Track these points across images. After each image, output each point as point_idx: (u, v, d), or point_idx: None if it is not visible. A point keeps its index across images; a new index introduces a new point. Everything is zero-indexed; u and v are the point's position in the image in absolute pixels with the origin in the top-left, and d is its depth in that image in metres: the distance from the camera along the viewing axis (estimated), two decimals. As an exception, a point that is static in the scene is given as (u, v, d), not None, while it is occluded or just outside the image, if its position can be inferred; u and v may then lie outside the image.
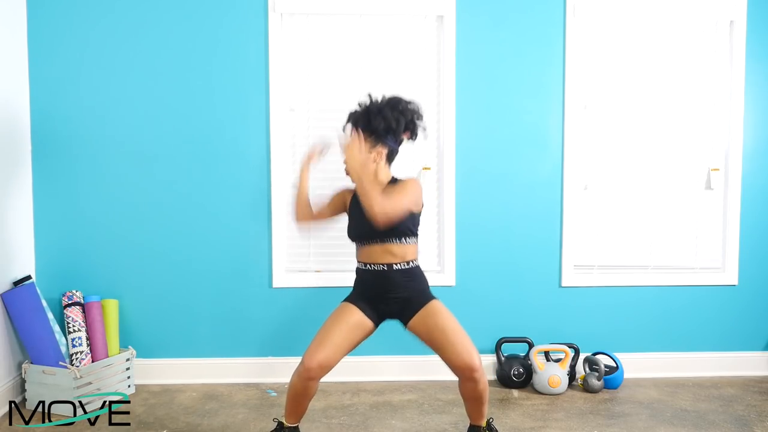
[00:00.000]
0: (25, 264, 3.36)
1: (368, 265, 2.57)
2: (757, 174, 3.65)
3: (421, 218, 2.64)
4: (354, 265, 2.66)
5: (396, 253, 2.53)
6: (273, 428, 2.63)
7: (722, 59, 3.63)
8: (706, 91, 3.64)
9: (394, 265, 2.53)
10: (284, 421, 2.59)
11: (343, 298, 2.62)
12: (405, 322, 2.57)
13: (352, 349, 2.54)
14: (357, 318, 2.52)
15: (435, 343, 2.49)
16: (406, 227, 2.52)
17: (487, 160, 3.57)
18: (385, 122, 2.53)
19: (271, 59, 3.46)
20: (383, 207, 2.36)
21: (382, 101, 2.57)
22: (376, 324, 2.58)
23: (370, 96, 2.60)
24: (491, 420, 2.62)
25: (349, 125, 2.60)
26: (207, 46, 3.46)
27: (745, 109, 3.62)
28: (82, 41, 3.42)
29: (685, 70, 3.63)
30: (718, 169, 3.66)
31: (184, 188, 3.49)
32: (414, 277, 2.58)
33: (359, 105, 2.60)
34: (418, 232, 2.61)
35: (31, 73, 3.40)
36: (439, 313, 2.52)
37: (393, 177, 2.63)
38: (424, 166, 3.57)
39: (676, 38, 3.62)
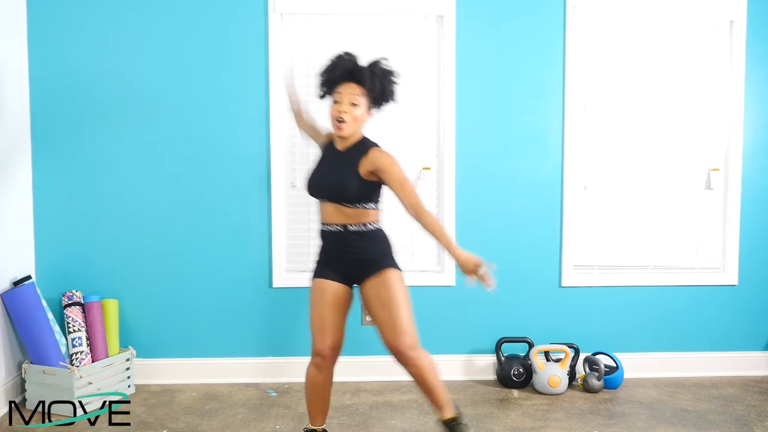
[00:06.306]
0: (25, 264, 3.36)
1: (326, 226, 2.57)
2: (757, 174, 3.65)
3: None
4: None
5: (349, 215, 2.50)
6: None
7: (722, 59, 3.63)
8: (706, 91, 3.64)
9: (350, 226, 2.50)
10: (311, 426, 2.63)
11: None
12: (360, 285, 2.56)
13: (346, 317, 2.58)
14: (332, 288, 2.54)
15: (374, 316, 2.51)
16: (360, 195, 2.48)
17: (487, 160, 3.57)
18: (387, 93, 2.57)
19: (271, 59, 3.45)
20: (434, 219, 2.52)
21: (382, 66, 2.56)
22: (350, 284, 2.58)
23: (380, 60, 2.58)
24: (458, 419, 2.51)
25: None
26: (207, 47, 3.46)
27: (745, 109, 3.62)
28: (82, 40, 3.41)
29: (685, 70, 3.63)
30: (718, 169, 3.65)
31: (184, 188, 3.49)
32: (372, 239, 2.53)
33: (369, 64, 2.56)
34: (380, 200, 2.57)
35: (31, 72, 3.40)
36: (392, 285, 2.48)
37: (363, 137, 2.58)
38: (424, 166, 3.57)
39: (676, 38, 3.61)
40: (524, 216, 3.60)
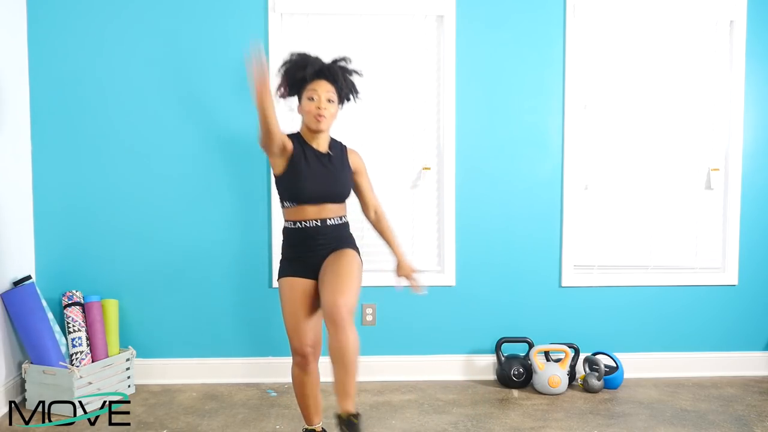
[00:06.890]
0: (25, 264, 3.36)
1: (299, 223, 2.51)
2: (757, 174, 3.65)
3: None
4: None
5: (332, 210, 2.53)
6: None
7: (722, 59, 3.63)
8: (706, 91, 3.64)
9: (329, 220, 2.52)
10: (308, 427, 2.63)
11: None
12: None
13: (320, 312, 2.51)
14: (301, 285, 2.50)
15: (323, 278, 2.42)
16: (349, 190, 2.60)
17: (487, 160, 3.57)
18: (350, 89, 2.63)
19: (271, 59, 3.45)
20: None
21: (346, 64, 2.62)
22: (317, 278, 2.51)
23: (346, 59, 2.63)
24: (359, 418, 2.24)
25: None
26: (207, 46, 3.46)
27: (745, 109, 3.62)
28: (82, 40, 3.42)
29: (685, 70, 3.63)
30: (718, 169, 3.65)
31: (184, 189, 3.49)
32: (343, 229, 2.59)
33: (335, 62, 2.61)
34: None
35: (31, 69, 3.40)
36: (351, 259, 2.48)
37: (331, 137, 2.63)
38: (424, 166, 3.57)
39: (676, 38, 3.61)
40: (524, 216, 3.60)
